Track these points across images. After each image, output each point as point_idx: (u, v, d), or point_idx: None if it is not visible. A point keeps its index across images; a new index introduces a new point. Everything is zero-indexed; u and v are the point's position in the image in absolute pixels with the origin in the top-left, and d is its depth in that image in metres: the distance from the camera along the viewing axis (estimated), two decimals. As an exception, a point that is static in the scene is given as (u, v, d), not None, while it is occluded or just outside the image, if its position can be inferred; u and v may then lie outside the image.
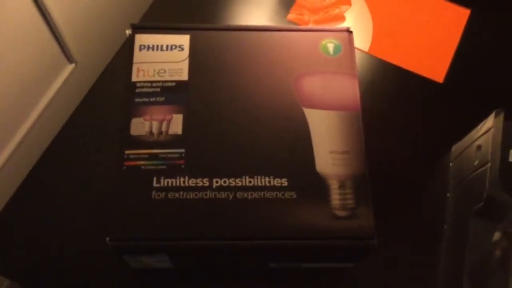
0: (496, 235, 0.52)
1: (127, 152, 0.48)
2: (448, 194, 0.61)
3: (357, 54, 0.71)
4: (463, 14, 0.74)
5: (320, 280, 0.57)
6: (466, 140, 0.60)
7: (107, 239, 0.45)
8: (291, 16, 0.75)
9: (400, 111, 0.67)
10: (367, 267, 0.57)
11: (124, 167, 0.47)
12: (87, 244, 0.57)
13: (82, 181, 0.60)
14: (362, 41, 0.73)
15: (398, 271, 0.58)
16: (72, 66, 0.92)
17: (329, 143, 0.49)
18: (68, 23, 0.86)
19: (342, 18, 0.76)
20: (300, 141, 0.49)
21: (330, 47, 0.54)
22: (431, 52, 0.72)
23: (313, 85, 0.52)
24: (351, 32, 0.55)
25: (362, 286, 0.57)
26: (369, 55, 0.71)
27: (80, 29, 0.90)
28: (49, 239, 0.58)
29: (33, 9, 0.76)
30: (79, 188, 0.60)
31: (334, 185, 0.48)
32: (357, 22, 0.75)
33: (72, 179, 0.61)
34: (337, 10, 0.77)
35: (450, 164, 0.63)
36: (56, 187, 0.60)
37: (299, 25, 0.74)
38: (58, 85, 0.90)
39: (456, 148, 0.63)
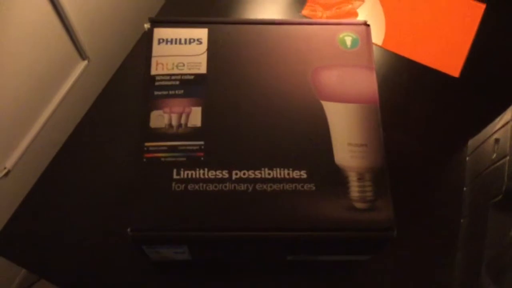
0: (515, 229, 0.52)
1: (147, 144, 0.48)
2: (464, 188, 0.61)
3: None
4: (478, 8, 0.74)
5: (336, 273, 0.57)
6: (483, 134, 0.60)
7: (128, 229, 0.45)
8: (305, 12, 0.75)
9: (416, 105, 0.67)
10: (384, 260, 0.58)
11: (144, 159, 0.48)
12: (105, 237, 0.57)
13: (98, 176, 0.61)
14: (375, 35, 0.73)
15: (415, 265, 0.58)
16: (85, 62, 0.93)
17: (347, 136, 0.49)
18: (81, 20, 0.86)
19: (355, 14, 0.76)
20: (318, 133, 0.49)
21: (348, 40, 0.54)
22: (447, 47, 0.71)
23: (331, 78, 0.52)
24: (368, 25, 0.55)
25: (379, 279, 0.57)
26: (382, 48, 0.71)
27: (93, 26, 0.91)
28: (68, 231, 0.58)
29: (48, 6, 0.76)
30: (95, 183, 0.60)
31: (353, 177, 0.48)
32: (370, 17, 0.75)
33: (88, 174, 0.61)
34: (349, 6, 0.77)
35: (467, 158, 0.63)
36: (72, 183, 0.61)
37: (314, 20, 0.74)
38: (72, 82, 0.91)
39: (472, 142, 0.63)
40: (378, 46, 0.72)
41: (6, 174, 0.84)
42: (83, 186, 0.60)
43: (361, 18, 0.75)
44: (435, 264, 0.58)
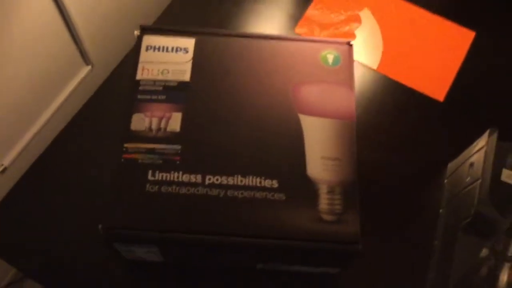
0: (484, 252, 0.53)
1: (126, 145, 0.50)
2: (440, 210, 0.62)
3: (366, 71, 0.73)
4: (468, 35, 0.76)
5: (306, 285, 0.58)
6: (461, 158, 0.61)
7: (100, 226, 0.46)
8: (300, 30, 0.76)
9: (401, 127, 0.68)
10: (355, 277, 0.58)
11: (122, 160, 0.49)
12: (91, 235, 0.59)
13: (86, 175, 0.62)
14: (371, 59, 0.74)
15: (387, 284, 0.59)
16: (88, 68, 0.96)
17: (321, 149, 0.51)
18: (87, 26, 0.89)
19: (352, 36, 0.78)
20: (293, 145, 0.51)
21: (330, 58, 0.56)
22: (435, 71, 0.73)
23: (310, 92, 0.53)
24: (351, 45, 0.57)
25: (349, 295, 0.58)
26: (377, 72, 0.73)
27: (98, 33, 0.94)
28: (53, 228, 0.60)
29: (54, 10, 0.79)
30: (83, 180, 0.62)
31: (323, 190, 0.49)
32: (368, 40, 0.77)
33: (75, 171, 0.63)
34: (347, 27, 0.79)
35: (445, 181, 0.64)
36: (61, 180, 0.62)
37: (306, 38, 0.76)
38: (74, 85, 0.93)
39: (451, 165, 0.64)
40: (373, 69, 0.73)
41: (3, 171, 0.86)
42: (69, 184, 0.62)
43: (359, 40, 0.76)
44: (406, 284, 0.59)
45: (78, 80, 0.94)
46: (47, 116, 0.90)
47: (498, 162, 0.53)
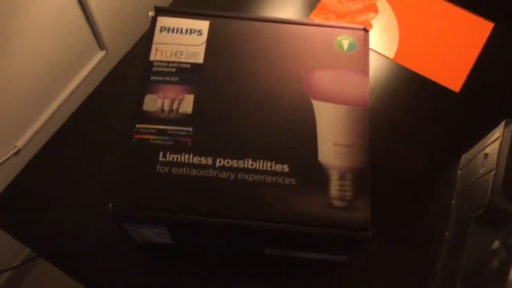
0: (495, 244, 0.52)
1: (137, 125, 0.50)
2: (453, 202, 0.61)
3: (382, 61, 0.72)
4: (486, 26, 0.74)
5: (315, 272, 0.57)
6: (475, 149, 0.60)
7: (110, 205, 0.46)
8: (315, 18, 0.76)
9: (416, 117, 0.67)
10: (364, 266, 0.58)
11: (133, 140, 0.49)
12: (102, 216, 0.59)
13: (99, 155, 0.63)
14: (388, 48, 0.74)
15: (397, 273, 0.58)
16: (103, 53, 0.96)
17: (333, 135, 0.50)
18: (102, 12, 0.89)
19: (369, 25, 0.77)
20: (305, 130, 0.50)
21: (345, 43, 0.55)
22: (452, 62, 0.72)
23: (324, 78, 0.53)
24: (367, 31, 0.56)
25: (355, 283, 0.57)
26: (393, 62, 0.72)
27: (114, 18, 0.94)
28: (65, 209, 0.60)
29: (71, -5, 0.79)
30: (96, 162, 0.62)
31: (334, 176, 0.49)
32: (384, 30, 0.76)
33: (90, 153, 0.63)
34: (363, 17, 0.78)
35: (458, 172, 0.63)
36: (73, 161, 0.63)
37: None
38: (88, 70, 0.94)
39: (465, 157, 0.63)
40: (389, 59, 0.72)
41: (17, 153, 0.87)
42: (82, 166, 0.62)
43: (376, 30, 0.76)
44: (417, 275, 0.58)
45: (93, 65, 0.95)
46: (62, 99, 0.90)
47: (513, 153, 0.52)
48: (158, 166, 0.48)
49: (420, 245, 0.60)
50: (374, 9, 0.78)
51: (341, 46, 0.55)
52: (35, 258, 1.09)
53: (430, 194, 0.63)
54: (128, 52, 0.70)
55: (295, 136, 0.50)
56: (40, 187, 0.61)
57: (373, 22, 0.77)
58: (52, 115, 0.90)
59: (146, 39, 0.54)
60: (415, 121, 0.67)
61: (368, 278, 0.58)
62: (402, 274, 0.58)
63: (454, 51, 0.73)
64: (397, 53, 0.73)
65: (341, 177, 0.49)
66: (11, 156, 0.85)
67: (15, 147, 0.86)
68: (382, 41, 0.74)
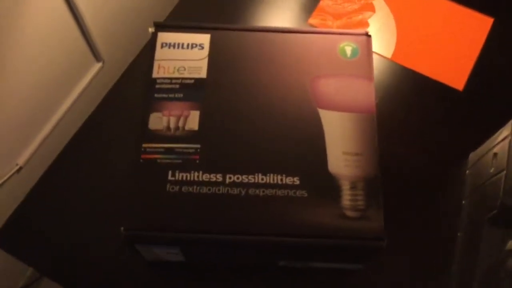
0: (510, 244, 0.52)
1: (144, 145, 0.49)
2: (463, 202, 0.61)
3: (380, 61, 0.71)
4: (486, 22, 0.74)
5: (329, 281, 0.57)
6: (483, 148, 0.60)
7: (122, 228, 0.46)
8: (313, 20, 0.75)
9: (419, 117, 0.67)
10: (378, 271, 0.58)
11: (141, 160, 0.49)
12: (107, 236, 0.58)
13: (103, 176, 0.62)
14: (385, 48, 0.73)
15: (410, 277, 0.58)
16: (99, 64, 0.95)
17: (342, 144, 0.50)
18: (97, 23, 0.88)
19: (366, 24, 0.76)
20: (314, 141, 0.50)
21: (348, 50, 0.54)
22: (453, 60, 0.71)
23: (329, 86, 0.52)
24: (369, 36, 0.56)
25: (372, 289, 0.57)
26: (391, 61, 0.72)
27: (108, 29, 0.93)
28: (70, 229, 0.59)
29: (64, 8, 0.79)
30: (100, 182, 0.62)
31: (345, 186, 0.48)
32: (382, 28, 0.75)
33: (93, 173, 0.62)
34: (360, 16, 0.78)
35: (467, 172, 0.63)
36: (74, 182, 0.62)
37: (321, 29, 0.75)
38: (86, 83, 0.93)
39: (473, 156, 0.63)
40: (387, 58, 0.72)
41: (18, 171, 0.86)
42: (85, 187, 0.62)
43: (372, 28, 0.75)
44: (430, 277, 0.58)
45: (90, 77, 0.94)
46: (61, 114, 0.90)
47: (522, 152, 0.52)
48: (168, 186, 0.48)
49: (432, 246, 0.59)
50: (371, 8, 0.78)
51: (344, 53, 0.54)
52: (38, 279, 1.09)
53: (440, 195, 0.62)
54: (127, 69, 0.70)
55: (303, 147, 0.50)
56: (45, 210, 0.60)
57: (370, 21, 0.77)
58: (53, 129, 0.89)
59: (148, 56, 0.54)
60: (419, 121, 0.67)
61: (382, 282, 0.58)
62: (416, 276, 0.58)
63: (454, 48, 0.72)
64: (395, 52, 0.73)
65: (353, 187, 0.48)
66: (13, 174, 0.85)
67: (17, 164, 0.85)
68: (380, 40, 0.74)
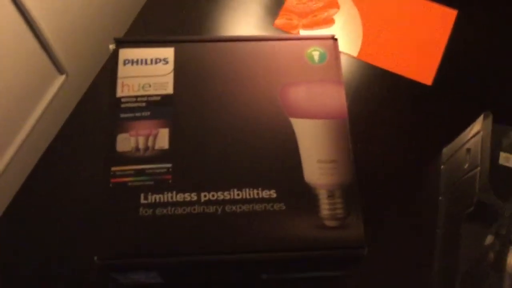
0: (489, 239, 0.52)
1: (113, 169, 0.48)
2: (440, 198, 0.61)
3: (346, 59, 0.71)
4: (450, 15, 0.74)
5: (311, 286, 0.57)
6: (456, 143, 0.60)
7: (95, 258, 0.44)
8: (279, 21, 0.74)
9: (390, 115, 0.67)
10: (360, 274, 0.57)
11: (111, 185, 0.47)
12: (79, 258, 0.57)
13: (73, 195, 0.60)
14: (351, 46, 0.73)
15: (392, 277, 0.58)
16: (63, 77, 0.92)
17: (316, 153, 0.49)
18: (56, 34, 0.85)
19: (331, 21, 0.76)
20: (287, 151, 0.49)
21: (316, 55, 0.54)
22: (419, 55, 0.71)
23: (299, 94, 0.52)
24: (336, 39, 0.55)
25: (356, 294, 0.57)
26: (358, 60, 0.71)
27: (70, 40, 0.90)
28: (43, 250, 0.57)
29: (21, 22, 0.75)
30: (70, 202, 0.60)
31: (323, 195, 0.48)
32: (347, 25, 0.75)
33: (63, 192, 0.60)
34: (325, 14, 0.77)
35: (442, 167, 0.63)
36: (47, 201, 0.60)
37: (288, 30, 0.74)
38: (50, 97, 0.90)
39: (446, 151, 0.63)
40: (353, 57, 0.71)
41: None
42: (56, 206, 0.60)
43: (337, 25, 0.74)
44: (411, 276, 0.58)
45: (54, 91, 0.91)
46: (26, 131, 0.86)
47: (494, 145, 0.52)
48: (140, 210, 0.46)
49: (412, 244, 0.59)
50: (335, 5, 0.77)
51: (312, 58, 0.53)
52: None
53: (415, 192, 0.62)
54: (92, 84, 0.68)
55: (278, 158, 0.49)
56: (17, 234, 0.58)
57: (335, 17, 0.76)
58: (18, 149, 0.86)
59: (110, 74, 0.52)
60: (390, 119, 0.67)
61: (364, 284, 0.57)
62: (397, 277, 0.58)
63: (420, 43, 0.72)
64: (362, 51, 0.73)
65: (330, 195, 0.48)
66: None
67: (-18, 188, 0.82)
68: (345, 39, 0.73)
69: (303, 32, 0.75)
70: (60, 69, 0.91)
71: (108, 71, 0.68)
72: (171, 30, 0.71)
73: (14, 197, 0.61)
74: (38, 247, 0.58)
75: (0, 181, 0.83)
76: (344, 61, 0.71)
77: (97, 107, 0.65)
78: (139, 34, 0.71)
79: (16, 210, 0.60)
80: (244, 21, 0.73)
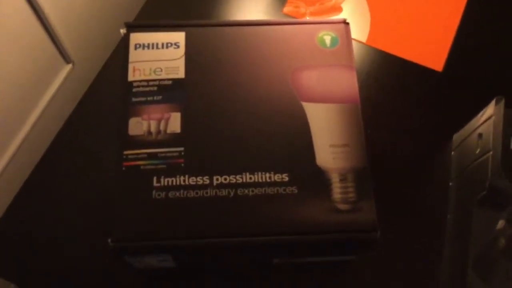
0: (500, 223, 0.52)
1: (125, 152, 0.48)
2: (450, 184, 0.61)
3: (355, 45, 0.70)
4: (460, 0, 0.74)
5: (325, 273, 0.57)
6: (467, 128, 0.59)
7: (109, 240, 0.44)
8: (287, 9, 0.74)
9: (400, 101, 0.66)
10: (372, 259, 0.57)
11: (124, 168, 0.47)
12: (89, 246, 0.57)
13: (83, 183, 0.60)
14: (359, 32, 0.72)
15: (402, 262, 0.58)
16: (69, 66, 0.92)
17: (329, 137, 0.49)
18: (63, 23, 0.85)
19: (339, 9, 0.75)
20: (299, 135, 0.49)
21: (327, 39, 0.53)
22: (430, 41, 0.71)
23: (311, 78, 0.51)
24: (347, 23, 0.55)
25: (367, 278, 0.57)
26: (367, 46, 0.71)
27: (76, 29, 0.90)
28: (50, 241, 0.57)
29: (28, 11, 0.75)
30: (79, 190, 0.60)
31: (335, 179, 0.48)
32: (355, 12, 0.74)
33: (72, 181, 0.60)
34: (333, 1, 0.77)
35: (452, 153, 0.63)
36: (56, 190, 0.60)
37: (295, 18, 0.74)
38: (57, 86, 0.90)
39: (457, 137, 0.63)
40: (362, 43, 0.71)
41: (-8, 183, 0.83)
42: (67, 194, 0.60)
43: (345, 13, 0.74)
44: (422, 261, 0.58)
45: (60, 80, 0.91)
46: (32, 121, 0.86)
47: (507, 130, 0.52)
48: (153, 193, 0.46)
49: (422, 230, 0.59)
50: (343, -9, 0.77)
51: (323, 42, 0.53)
52: None
53: (426, 178, 0.62)
54: (100, 71, 0.68)
55: (290, 142, 0.49)
56: (26, 223, 0.58)
57: (343, 5, 0.76)
58: (25, 138, 0.86)
59: (121, 58, 0.52)
60: (400, 105, 0.66)
61: (375, 270, 0.57)
62: (408, 262, 0.58)
63: (430, 28, 0.72)
64: (370, 36, 0.72)
65: (342, 179, 0.48)
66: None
67: (-10, 177, 0.82)
68: (354, 25, 0.73)
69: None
70: (66, 58, 0.91)
71: (117, 58, 0.68)
72: (178, 17, 0.71)
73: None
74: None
75: (7, 170, 0.83)
76: (354, 47, 0.70)
77: (104, 97, 0.65)
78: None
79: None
80: (252, 8, 0.72)
